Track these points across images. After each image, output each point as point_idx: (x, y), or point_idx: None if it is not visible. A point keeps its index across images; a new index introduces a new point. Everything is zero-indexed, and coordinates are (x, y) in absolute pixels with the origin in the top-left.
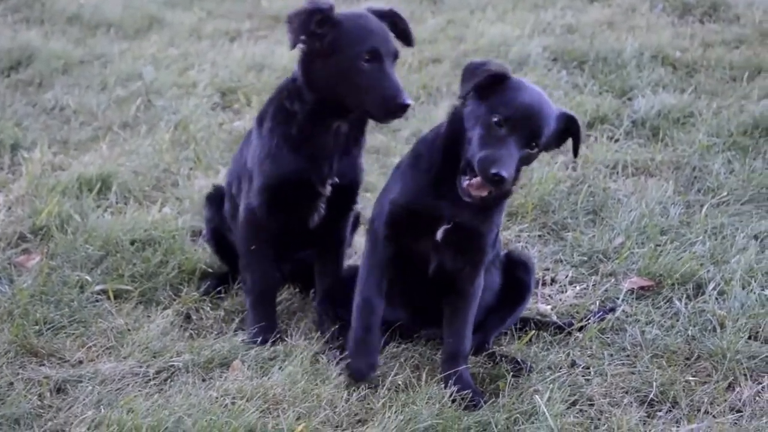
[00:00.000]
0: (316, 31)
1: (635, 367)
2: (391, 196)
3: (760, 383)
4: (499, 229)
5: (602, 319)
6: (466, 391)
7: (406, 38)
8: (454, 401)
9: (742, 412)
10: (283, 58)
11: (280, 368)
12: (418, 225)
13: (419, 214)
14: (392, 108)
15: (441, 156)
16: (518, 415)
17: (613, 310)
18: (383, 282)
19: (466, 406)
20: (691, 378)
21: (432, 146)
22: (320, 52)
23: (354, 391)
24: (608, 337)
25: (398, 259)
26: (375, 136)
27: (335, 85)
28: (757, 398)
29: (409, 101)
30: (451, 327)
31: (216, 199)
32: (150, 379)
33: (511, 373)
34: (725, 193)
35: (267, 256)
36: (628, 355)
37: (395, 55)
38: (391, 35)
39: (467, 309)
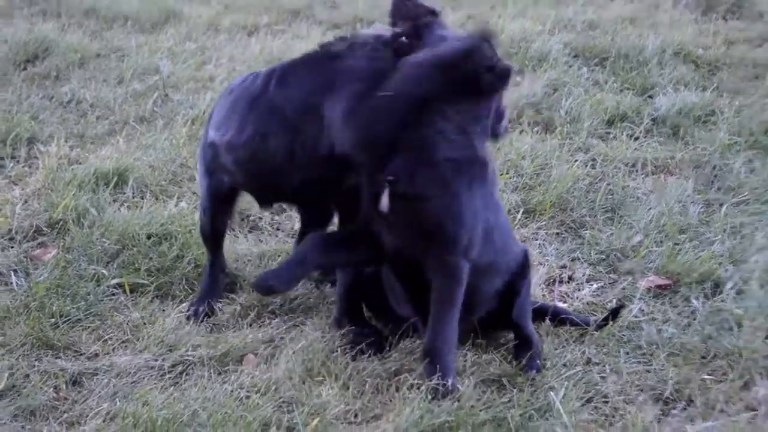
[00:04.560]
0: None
1: (651, 365)
2: None
3: None
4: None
5: (615, 317)
6: (443, 382)
7: None
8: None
9: (757, 411)
10: (301, 52)
11: (294, 363)
12: None
13: None
14: None
15: None
16: (533, 411)
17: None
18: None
19: (443, 393)
20: (706, 377)
21: None
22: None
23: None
24: (624, 335)
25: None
26: None
27: None
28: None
29: None
30: (429, 321)
31: None
32: (165, 373)
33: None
34: (745, 193)
35: None
36: (644, 354)
37: None
38: None
39: (436, 304)
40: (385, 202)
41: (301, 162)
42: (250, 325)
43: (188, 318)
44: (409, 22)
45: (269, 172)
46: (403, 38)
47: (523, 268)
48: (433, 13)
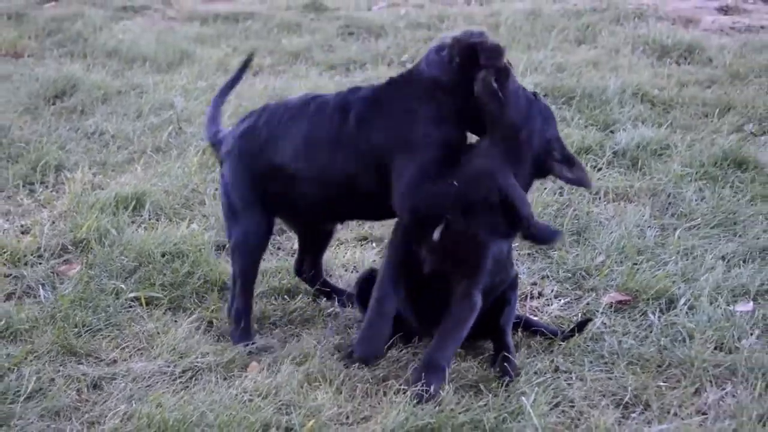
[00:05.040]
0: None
1: (612, 373)
2: None
3: (723, 389)
4: (509, 248)
5: (581, 330)
6: (426, 388)
7: None
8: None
9: (707, 414)
10: (300, 90)
11: (293, 370)
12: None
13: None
14: None
15: None
16: (506, 414)
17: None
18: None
19: (427, 399)
20: (662, 383)
21: None
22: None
23: (357, 391)
24: (588, 346)
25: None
26: None
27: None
28: (721, 402)
29: None
30: (437, 334)
31: None
32: (177, 378)
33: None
34: (697, 218)
35: None
36: (606, 362)
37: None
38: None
39: (450, 322)
40: (437, 234)
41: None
42: (254, 335)
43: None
44: (493, 64)
45: (334, 202)
46: (493, 81)
47: (514, 281)
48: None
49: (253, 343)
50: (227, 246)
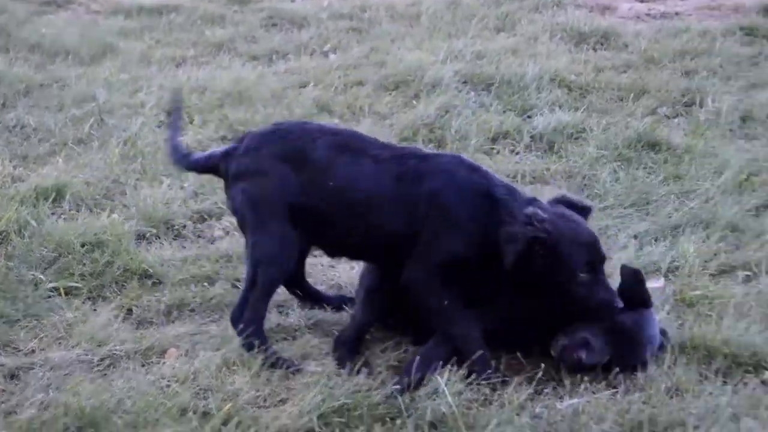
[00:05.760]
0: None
1: (528, 352)
2: None
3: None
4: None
5: None
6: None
7: None
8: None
9: (617, 389)
10: (223, 81)
11: (211, 355)
12: None
13: None
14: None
15: None
16: (422, 393)
17: None
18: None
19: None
20: None
21: None
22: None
23: (276, 374)
24: None
25: None
26: None
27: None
28: (631, 376)
29: (621, 304)
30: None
31: None
32: (95, 366)
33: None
34: (611, 199)
35: None
36: None
37: (604, 260)
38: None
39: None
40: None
41: None
42: (173, 322)
43: None
44: None
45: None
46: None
47: None
48: None
49: (269, 347)
50: (245, 255)
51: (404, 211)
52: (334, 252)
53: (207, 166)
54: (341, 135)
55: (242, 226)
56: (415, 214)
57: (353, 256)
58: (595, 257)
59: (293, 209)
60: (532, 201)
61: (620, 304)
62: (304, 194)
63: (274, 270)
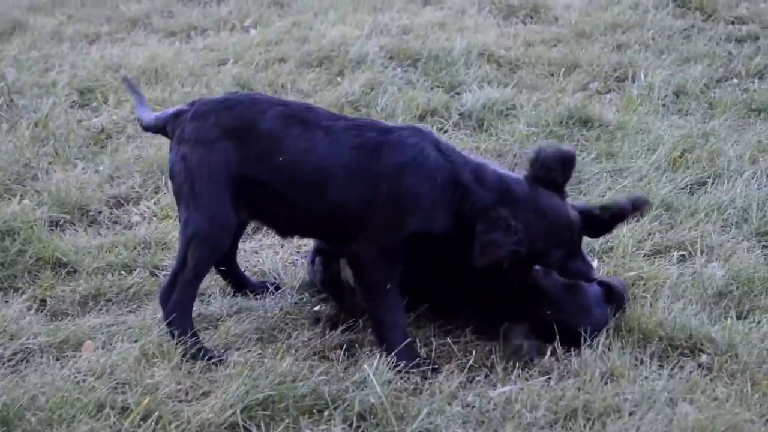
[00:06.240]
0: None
1: (459, 339)
2: None
3: (567, 349)
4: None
5: None
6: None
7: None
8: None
9: (550, 375)
10: (138, 59)
11: (129, 347)
12: None
13: None
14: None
15: None
16: (349, 384)
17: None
18: None
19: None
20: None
21: None
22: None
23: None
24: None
25: None
26: None
27: None
28: (565, 362)
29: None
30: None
31: None
32: (6, 361)
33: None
34: None
35: None
36: (452, 329)
37: (581, 237)
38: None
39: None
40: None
41: None
42: (89, 313)
43: None
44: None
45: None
46: None
47: None
48: None
49: (195, 338)
50: (178, 230)
51: (362, 186)
52: (284, 230)
53: (158, 127)
54: (291, 106)
55: (177, 195)
56: (374, 189)
57: (305, 233)
58: (570, 240)
59: (237, 184)
60: (505, 192)
61: (596, 275)
62: (251, 168)
63: (206, 249)
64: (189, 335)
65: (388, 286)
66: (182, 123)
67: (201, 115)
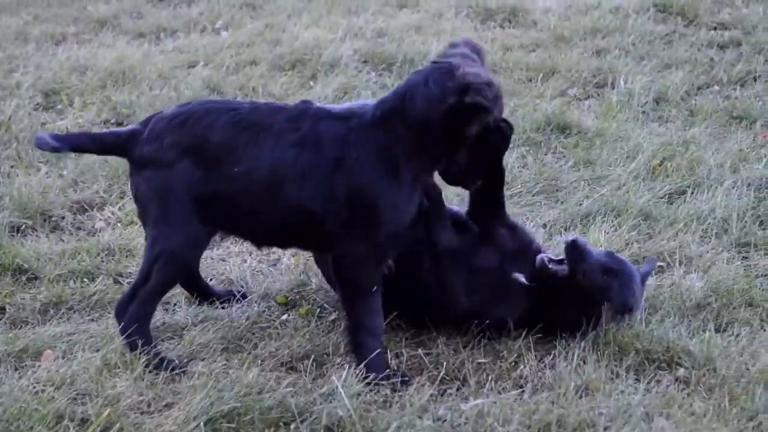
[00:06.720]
0: None
1: (431, 350)
2: None
3: (542, 361)
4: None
5: None
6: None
7: None
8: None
9: (524, 388)
10: (106, 60)
11: (90, 356)
12: None
13: None
14: None
15: None
16: (317, 396)
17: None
18: None
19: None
20: (482, 360)
21: None
22: None
23: (160, 376)
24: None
25: None
26: None
27: None
28: (539, 374)
29: None
30: None
31: None
32: None
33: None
34: (518, 186)
35: None
36: (422, 340)
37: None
38: None
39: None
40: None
41: None
42: (49, 321)
43: None
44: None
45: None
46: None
47: None
48: None
49: (153, 347)
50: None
51: (320, 184)
52: (258, 241)
53: (106, 147)
54: (240, 110)
55: (143, 217)
56: (332, 184)
57: (278, 243)
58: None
59: (202, 200)
60: None
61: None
62: (212, 183)
63: (172, 268)
64: (150, 346)
65: (374, 288)
66: (140, 145)
67: (156, 137)
